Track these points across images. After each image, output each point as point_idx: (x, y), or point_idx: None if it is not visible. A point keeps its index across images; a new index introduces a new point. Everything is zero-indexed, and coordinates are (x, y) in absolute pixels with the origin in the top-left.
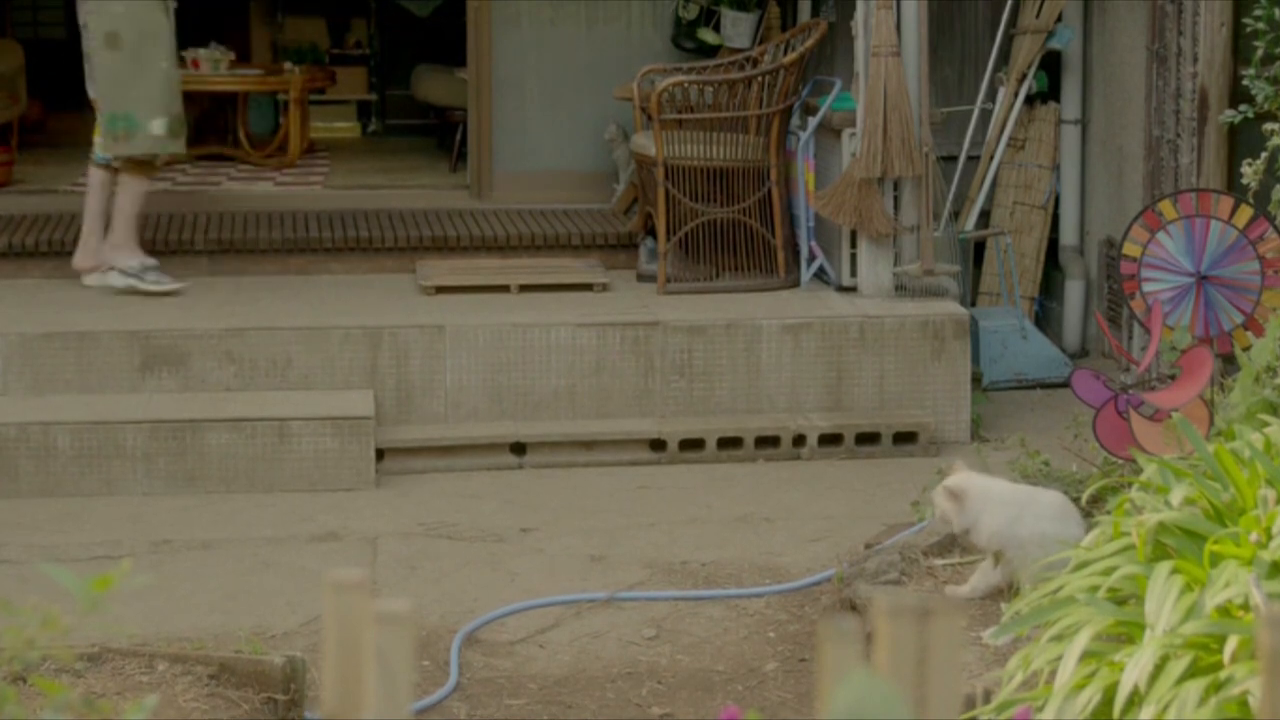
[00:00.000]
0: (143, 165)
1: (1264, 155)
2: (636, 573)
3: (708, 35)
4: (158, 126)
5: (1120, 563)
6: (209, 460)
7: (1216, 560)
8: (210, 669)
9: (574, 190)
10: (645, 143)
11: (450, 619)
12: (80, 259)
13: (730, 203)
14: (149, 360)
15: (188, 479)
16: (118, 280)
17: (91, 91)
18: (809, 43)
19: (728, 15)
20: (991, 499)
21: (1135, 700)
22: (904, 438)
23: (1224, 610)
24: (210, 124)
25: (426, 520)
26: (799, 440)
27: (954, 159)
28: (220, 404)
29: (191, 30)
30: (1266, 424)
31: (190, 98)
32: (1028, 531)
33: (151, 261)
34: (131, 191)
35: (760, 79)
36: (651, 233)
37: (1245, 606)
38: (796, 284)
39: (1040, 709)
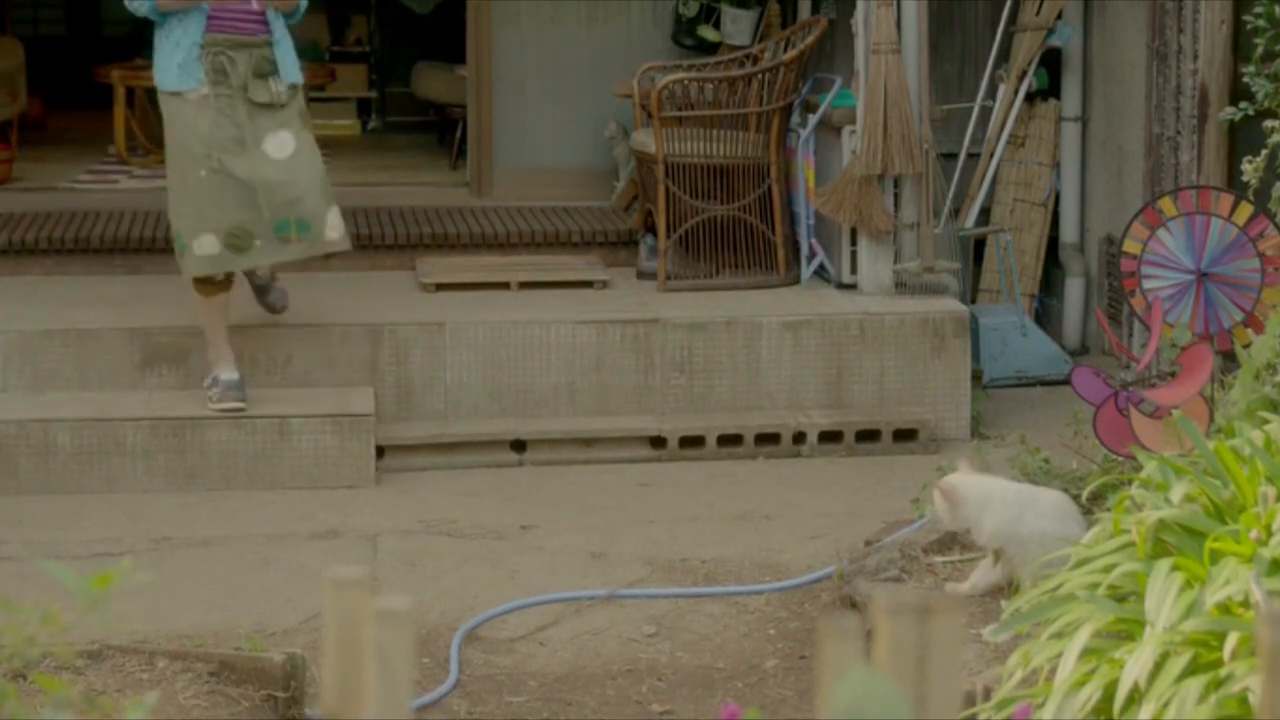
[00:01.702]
0: (203, 283)
1: (1264, 152)
2: (636, 570)
3: (708, 32)
4: (205, 245)
5: (1120, 560)
6: (209, 457)
7: (1216, 557)
8: (210, 666)
9: (574, 188)
10: (645, 140)
11: (450, 616)
12: None
13: (730, 200)
14: (149, 357)
15: (188, 476)
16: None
17: None
18: (809, 40)
19: (728, 12)
20: (992, 498)
21: (1135, 697)
22: (904, 435)
23: (1224, 607)
24: None
25: (426, 517)
26: (799, 438)
27: (954, 156)
28: None
29: None
30: (1267, 421)
31: None
32: (1028, 530)
33: (228, 376)
34: (199, 312)
35: (760, 76)
36: (651, 230)
37: (1245, 604)
38: (797, 281)
39: (1040, 706)
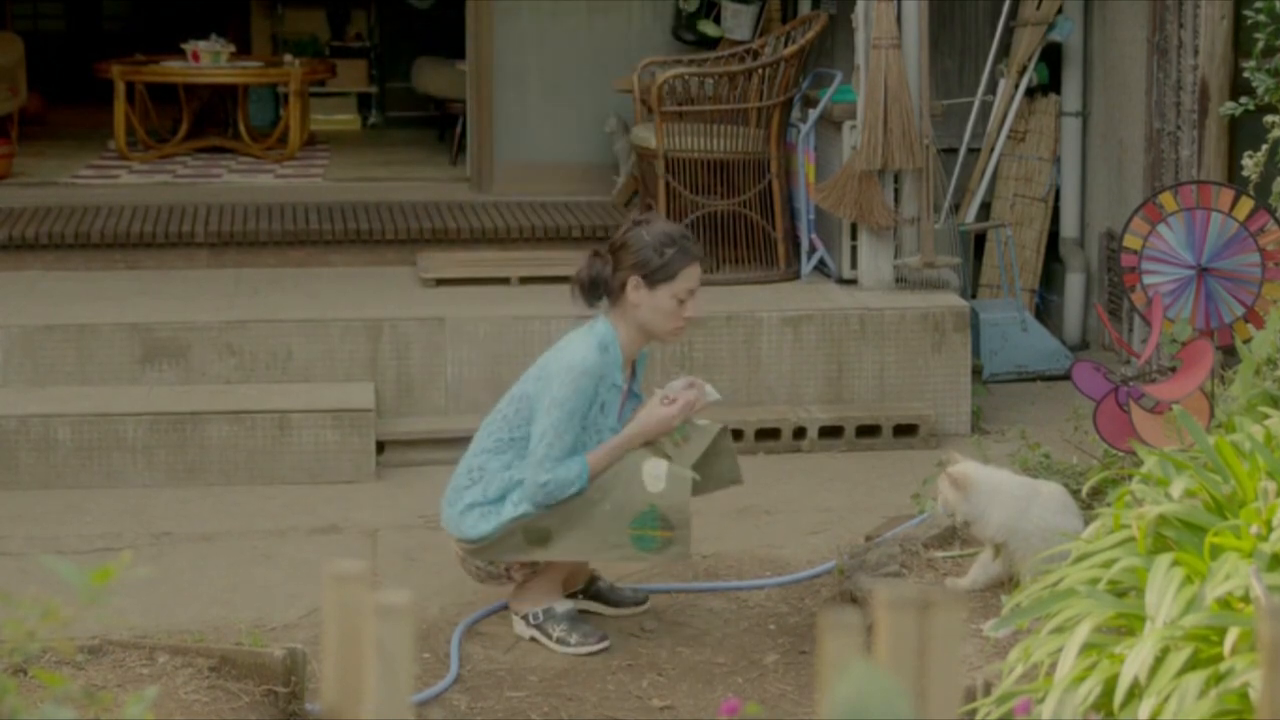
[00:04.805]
0: None
1: (1265, 147)
2: (636, 565)
3: (708, 27)
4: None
5: (1120, 555)
6: (209, 452)
7: (1217, 552)
8: (211, 661)
9: (574, 182)
10: (645, 135)
11: (450, 611)
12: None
13: (730, 195)
14: (149, 353)
15: (188, 471)
16: (520, 628)
17: None
18: (809, 35)
19: (728, 7)
20: (1001, 490)
21: (1135, 692)
22: (904, 430)
23: (1224, 602)
24: (210, 116)
25: (427, 512)
26: (799, 432)
27: (954, 151)
28: (221, 396)
29: (192, 22)
30: (1267, 416)
31: (191, 90)
32: (1032, 524)
33: (564, 607)
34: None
35: (761, 71)
36: None
37: (1245, 599)
38: (797, 276)
39: (1040, 701)
